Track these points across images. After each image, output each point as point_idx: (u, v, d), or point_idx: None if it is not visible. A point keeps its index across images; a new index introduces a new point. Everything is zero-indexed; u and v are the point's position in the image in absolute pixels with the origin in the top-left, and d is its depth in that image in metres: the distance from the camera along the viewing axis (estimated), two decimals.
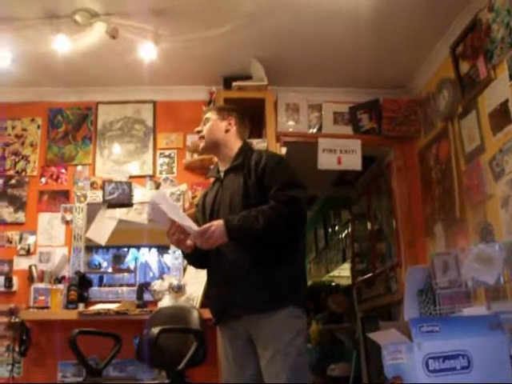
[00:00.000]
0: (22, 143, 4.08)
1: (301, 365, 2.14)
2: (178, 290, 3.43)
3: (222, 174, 2.43)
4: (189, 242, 2.18)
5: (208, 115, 2.49)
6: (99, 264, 3.96)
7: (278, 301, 2.14)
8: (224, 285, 2.24)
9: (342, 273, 6.67)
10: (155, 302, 3.52)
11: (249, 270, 2.17)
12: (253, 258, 2.17)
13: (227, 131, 2.44)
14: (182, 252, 2.45)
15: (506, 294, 2.74)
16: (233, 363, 2.27)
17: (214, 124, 2.45)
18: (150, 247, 4.02)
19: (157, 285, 3.53)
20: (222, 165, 2.46)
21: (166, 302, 3.42)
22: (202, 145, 2.48)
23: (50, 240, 3.89)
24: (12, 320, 3.57)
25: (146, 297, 3.62)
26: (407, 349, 2.11)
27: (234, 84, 3.80)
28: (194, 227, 2.13)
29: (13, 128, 4.12)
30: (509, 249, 2.62)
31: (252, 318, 2.16)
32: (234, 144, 2.44)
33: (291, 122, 4.12)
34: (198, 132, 2.49)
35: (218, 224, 2.10)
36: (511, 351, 2.35)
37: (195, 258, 2.38)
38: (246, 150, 2.43)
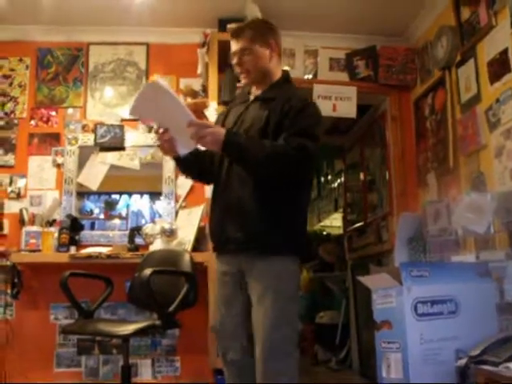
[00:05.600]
0: (10, 84, 3.97)
1: (290, 309, 2.11)
2: (170, 233, 3.41)
3: (251, 98, 2.29)
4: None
5: (244, 44, 2.22)
6: (91, 210, 3.94)
7: (275, 246, 2.09)
8: (226, 218, 2.17)
9: (334, 222, 6.72)
10: (147, 246, 3.53)
11: (254, 209, 2.09)
12: (260, 198, 2.09)
13: (271, 59, 2.24)
14: (176, 161, 2.29)
15: (495, 243, 2.77)
16: (220, 301, 2.26)
17: (258, 56, 2.21)
18: (142, 194, 3.99)
19: (148, 228, 3.52)
20: (256, 88, 2.30)
21: (157, 245, 3.42)
22: (245, 81, 2.27)
23: (41, 183, 3.86)
24: (3, 263, 3.57)
25: (138, 241, 3.62)
26: (397, 293, 2.14)
27: (229, 26, 3.70)
28: (192, 116, 2.02)
29: (0, 68, 4.00)
30: (500, 199, 2.63)
31: (248, 257, 2.12)
32: (276, 72, 2.28)
33: (286, 68, 4.03)
34: (239, 65, 2.24)
35: (218, 130, 2.03)
36: (497, 299, 2.39)
37: (190, 165, 2.30)
38: (282, 81, 2.28)
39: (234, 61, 2.26)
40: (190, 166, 2.31)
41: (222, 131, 2.03)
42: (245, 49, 2.21)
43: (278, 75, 2.28)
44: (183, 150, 2.15)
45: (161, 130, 2.08)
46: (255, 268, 2.12)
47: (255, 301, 2.12)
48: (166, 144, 2.11)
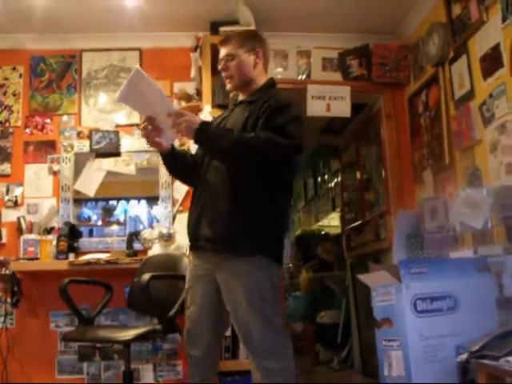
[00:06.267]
0: (4, 93, 3.97)
1: (267, 310, 2.05)
2: (168, 238, 3.42)
3: (237, 103, 2.33)
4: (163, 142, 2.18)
5: (230, 50, 2.25)
6: (89, 217, 3.94)
7: (245, 247, 2.05)
8: (202, 216, 2.16)
9: (332, 222, 6.72)
10: (145, 251, 3.53)
11: (227, 208, 2.07)
12: (235, 198, 2.08)
13: (255, 66, 2.27)
14: (162, 157, 2.31)
15: (493, 238, 2.78)
16: (192, 300, 2.21)
17: (242, 62, 2.24)
18: (139, 199, 3.99)
19: (147, 233, 3.53)
20: (242, 94, 2.34)
21: (155, 250, 3.43)
22: (229, 86, 2.30)
23: (38, 191, 3.85)
24: (2, 272, 3.56)
25: (136, 246, 3.61)
26: (396, 290, 2.14)
27: (222, 29, 3.71)
28: (173, 106, 2.12)
29: None
30: (496, 194, 2.64)
31: (218, 257, 2.10)
32: (261, 79, 2.30)
33: (279, 69, 4.04)
34: (223, 70, 2.27)
35: (193, 119, 2.05)
36: (496, 293, 2.40)
37: (173, 162, 2.32)
38: (266, 87, 2.28)
39: (220, 66, 2.30)
40: (176, 164, 2.33)
41: (198, 120, 2.06)
42: (230, 54, 2.25)
43: (261, 82, 2.29)
44: (167, 141, 2.21)
45: (145, 122, 2.12)
46: (225, 268, 2.09)
47: (230, 303, 2.09)
48: (150, 135, 2.15)
